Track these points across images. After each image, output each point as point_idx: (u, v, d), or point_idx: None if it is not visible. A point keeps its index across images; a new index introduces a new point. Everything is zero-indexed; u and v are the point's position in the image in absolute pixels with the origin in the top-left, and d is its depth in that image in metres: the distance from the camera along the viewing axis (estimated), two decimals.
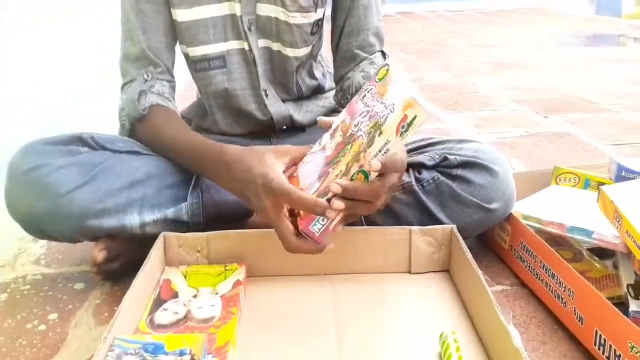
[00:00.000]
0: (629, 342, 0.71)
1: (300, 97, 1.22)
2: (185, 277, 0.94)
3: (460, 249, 0.91)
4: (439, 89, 2.77)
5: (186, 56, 1.12)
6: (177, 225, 1.01)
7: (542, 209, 1.05)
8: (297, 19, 1.08)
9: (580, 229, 0.94)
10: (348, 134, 0.81)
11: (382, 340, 0.82)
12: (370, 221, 1.00)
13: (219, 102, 1.15)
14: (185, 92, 1.67)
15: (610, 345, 0.75)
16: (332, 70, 1.21)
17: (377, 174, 0.78)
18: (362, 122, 0.79)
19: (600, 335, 0.77)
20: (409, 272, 0.99)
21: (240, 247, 0.98)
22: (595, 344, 0.79)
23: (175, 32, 1.08)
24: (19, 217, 0.97)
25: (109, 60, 1.36)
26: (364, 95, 0.81)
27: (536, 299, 0.96)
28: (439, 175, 1.01)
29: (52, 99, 1.63)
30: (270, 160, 0.84)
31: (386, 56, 1.14)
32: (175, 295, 0.89)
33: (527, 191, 1.15)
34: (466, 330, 0.83)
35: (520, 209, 1.05)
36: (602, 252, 0.99)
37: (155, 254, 0.93)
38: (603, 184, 1.11)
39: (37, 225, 0.97)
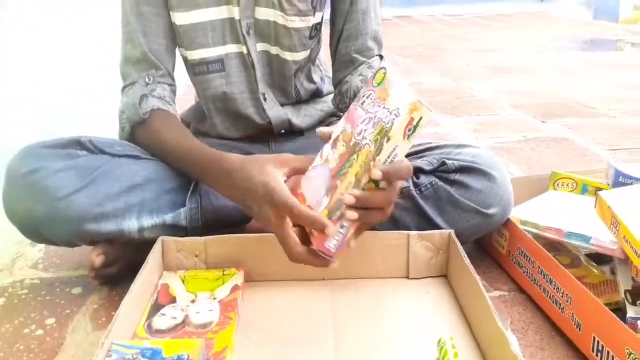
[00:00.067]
0: (627, 349, 0.71)
1: (298, 101, 1.22)
2: (183, 281, 0.94)
3: (458, 254, 0.91)
4: (437, 93, 2.77)
5: (185, 59, 1.12)
6: (176, 230, 1.01)
7: (539, 214, 1.05)
8: (296, 22, 1.08)
9: (578, 235, 0.95)
10: (352, 143, 0.79)
11: (380, 346, 0.82)
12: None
13: (217, 105, 1.15)
14: (184, 96, 1.67)
15: (608, 352, 0.75)
16: (330, 74, 1.21)
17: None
18: (365, 130, 0.78)
19: (598, 342, 0.77)
20: (407, 277, 0.99)
21: (238, 252, 0.98)
22: (593, 350, 0.79)
23: (175, 35, 1.08)
24: (17, 220, 0.96)
25: (109, 60, 1.36)
26: (363, 102, 0.80)
27: (534, 304, 0.96)
28: (437, 180, 1.01)
29: (52, 99, 1.63)
30: (270, 170, 0.83)
31: (385, 60, 1.14)
32: (173, 300, 0.89)
33: (525, 196, 1.16)
34: (464, 336, 0.83)
35: (518, 214, 1.05)
36: (599, 258, 0.99)
37: (153, 258, 0.93)
38: (601, 189, 1.11)
39: (35, 229, 0.96)
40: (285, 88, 1.17)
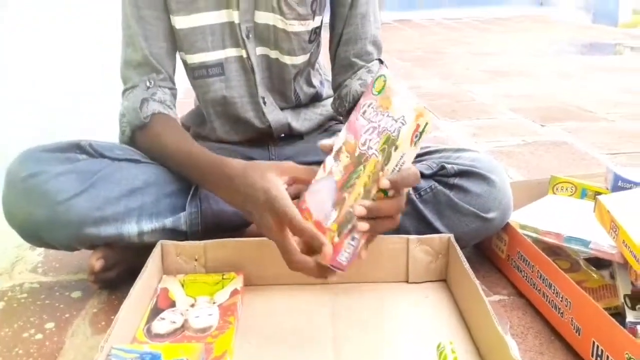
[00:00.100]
0: (626, 353, 0.71)
1: (298, 105, 1.22)
2: (182, 285, 0.94)
3: (458, 258, 0.92)
4: (436, 97, 2.77)
5: (184, 63, 1.12)
6: (175, 234, 1.01)
7: (539, 218, 1.05)
8: (295, 26, 1.08)
9: (577, 239, 0.95)
10: (357, 154, 0.78)
11: (380, 350, 0.82)
12: None
13: (217, 109, 1.15)
14: (183, 99, 1.67)
15: (608, 357, 0.75)
16: (330, 78, 1.21)
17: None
18: (370, 140, 0.77)
19: (598, 346, 0.77)
20: (407, 281, 0.99)
21: (237, 256, 0.98)
22: (592, 355, 0.79)
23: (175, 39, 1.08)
24: (17, 224, 0.96)
25: (109, 60, 1.36)
26: (365, 111, 0.79)
27: (533, 309, 0.96)
28: (437, 184, 1.01)
29: (52, 99, 1.63)
30: (272, 177, 0.82)
31: (384, 64, 1.14)
32: (172, 304, 0.89)
33: (524, 200, 1.16)
34: (463, 341, 0.83)
35: (517, 218, 1.05)
36: (599, 262, 0.99)
37: (153, 262, 0.93)
38: (600, 193, 1.11)
39: (34, 233, 0.96)
40: (285, 92, 1.17)
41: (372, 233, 0.79)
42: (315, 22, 1.11)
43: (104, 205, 0.95)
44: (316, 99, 1.25)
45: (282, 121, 1.17)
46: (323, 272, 0.80)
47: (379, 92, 0.78)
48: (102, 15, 1.95)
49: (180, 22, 1.05)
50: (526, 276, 0.98)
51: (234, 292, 0.91)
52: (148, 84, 1.05)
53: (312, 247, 0.79)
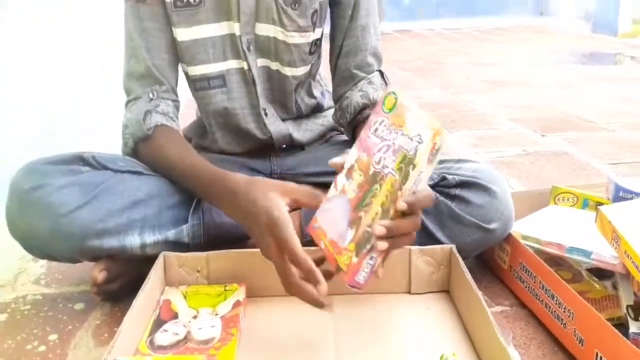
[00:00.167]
0: None
1: (299, 116, 1.22)
2: (185, 297, 0.94)
3: (460, 269, 0.92)
4: (437, 107, 2.78)
5: (186, 75, 1.13)
6: (178, 246, 1.01)
7: (541, 229, 1.05)
8: (296, 38, 1.09)
9: (579, 250, 0.95)
10: (371, 172, 0.77)
11: None
12: None
13: (218, 121, 1.15)
14: (185, 110, 1.67)
15: None
16: (331, 89, 1.22)
17: None
18: (385, 158, 0.76)
19: (601, 357, 0.77)
20: (409, 292, 0.99)
21: (240, 267, 0.98)
22: None
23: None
24: (20, 236, 0.97)
25: (109, 60, 1.35)
26: (376, 129, 0.78)
27: (536, 319, 0.96)
28: (438, 195, 1.01)
29: (52, 99, 1.63)
30: (274, 196, 0.82)
31: (385, 76, 1.15)
32: (175, 316, 0.89)
33: (526, 211, 1.16)
34: (467, 352, 0.83)
35: (519, 229, 1.05)
36: (601, 273, 0.99)
37: (155, 274, 0.93)
38: (601, 204, 1.12)
39: (37, 245, 0.97)
40: (286, 103, 1.18)
41: (388, 251, 0.78)
42: (316, 34, 1.11)
43: (107, 218, 0.95)
44: (317, 109, 1.26)
45: (284, 132, 1.18)
46: (319, 301, 0.80)
47: (390, 110, 0.77)
48: (102, 15, 1.96)
49: (182, 34, 1.06)
50: (528, 287, 0.98)
51: (237, 304, 0.91)
52: (151, 95, 1.05)
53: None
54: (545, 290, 0.92)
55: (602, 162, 1.85)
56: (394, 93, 0.78)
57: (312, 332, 0.89)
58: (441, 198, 1.01)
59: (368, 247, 0.75)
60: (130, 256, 0.99)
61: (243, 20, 1.06)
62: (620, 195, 1.13)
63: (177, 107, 1.10)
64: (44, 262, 1.20)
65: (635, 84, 3.39)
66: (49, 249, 0.96)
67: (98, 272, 0.99)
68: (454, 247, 0.97)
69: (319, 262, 0.83)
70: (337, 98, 1.16)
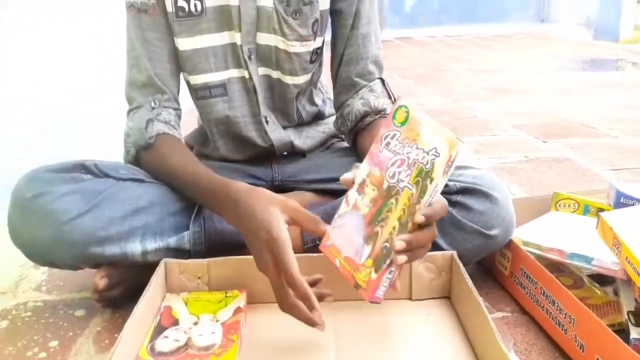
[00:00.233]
0: None
1: (300, 124, 1.23)
2: (186, 304, 0.94)
3: (461, 275, 0.92)
4: (438, 114, 2.78)
5: (188, 84, 1.13)
6: (179, 253, 1.01)
7: (542, 235, 1.05)
8: (296, 47, 1.09)
9: (580, 256, 0.95)
10: (385, 187, 0.76)
11: None
12: None
13: (220, 129, 1.16)
14: (186, 118, 1.68)
15: None
16: (332, 97, 1.23)
17: None
18: (399, 172, 0.75)
19: None
20: (410, 298, 0.99)
21: (240, 274, 0.98)
22: None
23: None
24: (21, 243, 0.97)
25: (109, 60, 1.36)
26: (388, 143, 0.77)
27: (537, 326, 0.96)
28: None
29: (52, 99, 1.63)
30: (273, 211, 0.82)
31: (386, 84, 1.15)
32: (176, 322, 0.89)
33: (527, 217, 1.16)
34: (467, 358, 0.83)
35: (520, 235, 1.05)
36: (602, 279, 0.99)
37: (156, 280, 0.93)
38: (602, 210, 1.12)
39: (39, 252, 0.97)
40: (287, 111, 1.18)
41: (406, 263, 0.78)
42: (317, 43, 1.12)
43: (109, 225, 0.95)
44: (319, 117, 1.26)
45: (285, 140, 1.18)
46: (313, 320, 0.80)
47: (402, 124, 0.76)
48: (102, 15, 1.96)
49: (184, 44, 1.07)
50: (529, 293, 0.98)
51: (237, 310, 0.91)
52: (153, 104, 1.06)
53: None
54: (546, 296, 0.92)
55: (604, 168, 1.85)
56: (405, 107, 0.77)
57: (312, 338, 0.89)
58: None
59: (388, 262, 0.75)
60: (132, 263, 0.99)
61: (244, 29, 1.06)
62: (622, 201, 1.13)
63: (179, 116, 1.11)
64: (45, 269, 1.21)
65: (637, 90, 3.39)
66: (51, 256, 0.97)
67: (99, 279, 1.00)
68: (454, 253, 0.97)
69: (313, 284, 0.85)
70: (339, 106, 1.17)
